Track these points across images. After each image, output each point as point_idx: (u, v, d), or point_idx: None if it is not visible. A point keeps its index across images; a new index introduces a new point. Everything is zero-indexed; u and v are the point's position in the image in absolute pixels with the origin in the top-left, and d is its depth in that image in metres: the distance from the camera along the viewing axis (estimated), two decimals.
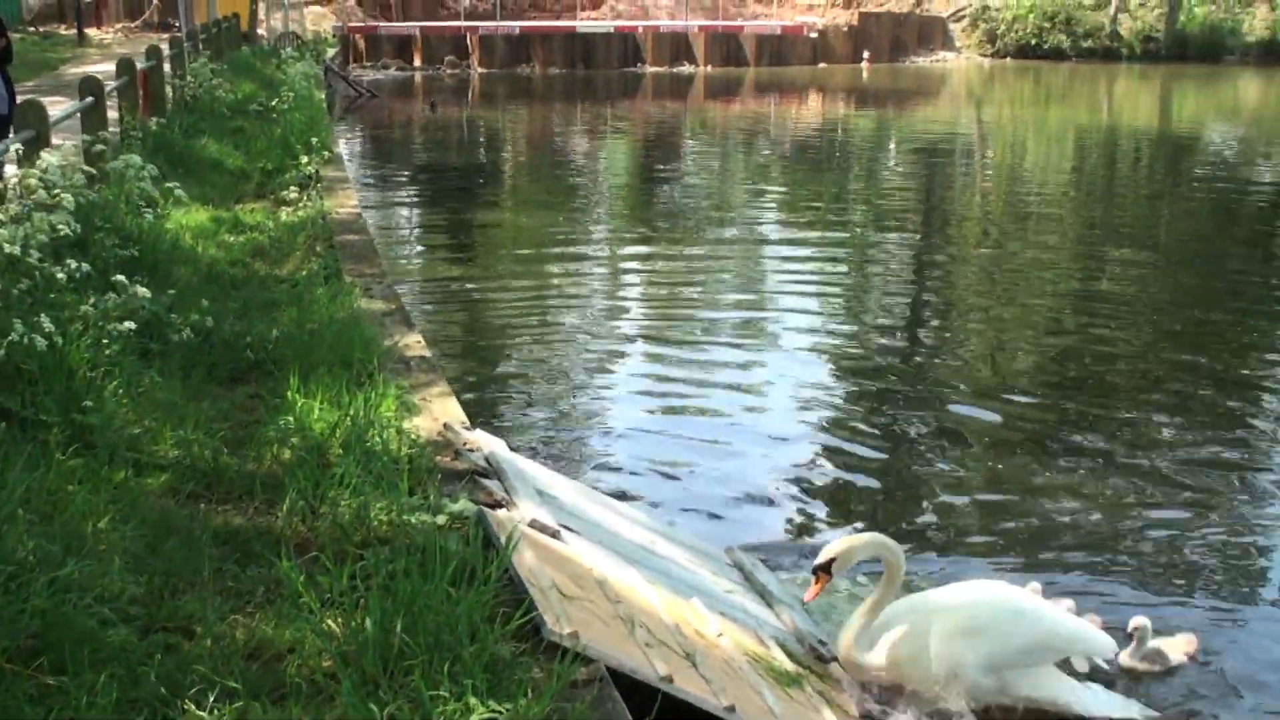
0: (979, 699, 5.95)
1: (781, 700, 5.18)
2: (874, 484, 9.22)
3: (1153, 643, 6.66)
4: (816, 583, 6.01)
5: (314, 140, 16.86)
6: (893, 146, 32.34)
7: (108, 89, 13.38)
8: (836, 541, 6.13)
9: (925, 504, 8.81)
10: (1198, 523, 8.46)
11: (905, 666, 5.92)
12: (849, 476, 9.38)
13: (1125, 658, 6.66)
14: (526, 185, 26.20)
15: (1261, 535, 8.37)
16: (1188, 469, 9.37)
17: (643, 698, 4.45)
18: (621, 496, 8.28)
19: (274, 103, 21.01)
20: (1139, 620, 6.68)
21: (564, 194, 23.98)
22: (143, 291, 7.47)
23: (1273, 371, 12.17)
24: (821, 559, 5.99)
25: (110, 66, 17.53)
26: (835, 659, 6.32)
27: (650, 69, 55.23)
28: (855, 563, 6.13)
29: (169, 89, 18.79)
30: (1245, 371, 12.16)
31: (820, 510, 8.82)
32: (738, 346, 12.88)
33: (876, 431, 10.32)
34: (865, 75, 54.98)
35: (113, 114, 14.48)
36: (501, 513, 5.67)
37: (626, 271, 17.07)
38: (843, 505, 8.94)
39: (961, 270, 17.47)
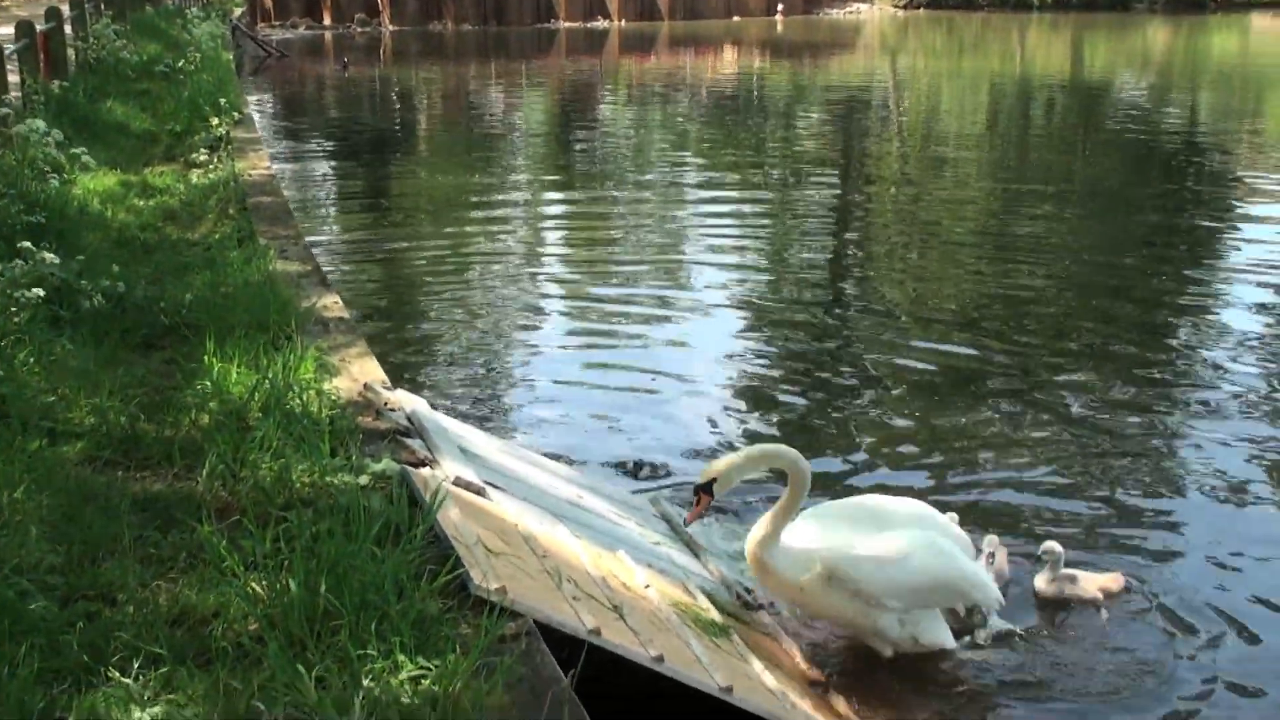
0: (885, 639, 5.98)
1: (709, 649, 5.22)
2: (798, 431, 9.29)
3: (1069, 571, 6.80)
4: (697, 504, 5.87)
5: (223, 101, 16.54)
6: (809, 98, 32.42)
7: (6, 52, 13.06)
8: (718, 459, 5.99)
9: (850, 448, 8.89)
10: (1114, 462, 8.61)
11: (820, 590, 5.84)
12: (773, 424, 9.46)
13: (1039, 581, 6.82)
14: (443, 143, 25.98)
15: (1173, 474, 8.54)
16: (1102, 410, 9.54)
17: (572, 651, 4.47)
18: (547, 453, 8.28)
19: (180, 64, 20.61)
20: (1050, 545, 6.83)
21: (481, 151, 23.81)
22: (50, 258, 7.33)
23: (1184, 315, 12.38)
24: (702, 478, 5.84)
25: (8, 29, 17.08)
26: (762, 607, 6.40)
27: (564, 24, 54.97)
28: (739, 479, 5.95)
29: (71, 51, 18.35)
30: (1158, 314, 12.38)
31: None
32: (660, 299, 12.89)
33: (800, 378, 10.41)
34: (779, 28, 55.08)
35: (13, 78, 14.12)
36: (425, 471, 5.64)
37: (546, 227, 17.01)
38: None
39: (880, 218, 17.62)
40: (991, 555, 6.83)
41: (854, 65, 40.90)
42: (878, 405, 9.68)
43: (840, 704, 5.66)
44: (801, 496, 5.91)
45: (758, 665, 5.45)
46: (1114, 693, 6.01)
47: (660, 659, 4.71)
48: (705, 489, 5.81)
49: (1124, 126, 26.35)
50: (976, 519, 7.55)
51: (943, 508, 7.46)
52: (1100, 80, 36.85)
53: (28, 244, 7.37)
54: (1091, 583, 6.81)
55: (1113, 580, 6.84)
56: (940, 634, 6.10)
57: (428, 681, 3.82)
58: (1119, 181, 20.27)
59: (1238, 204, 18.46)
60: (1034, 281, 13.51)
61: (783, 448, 6.07)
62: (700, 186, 19.75)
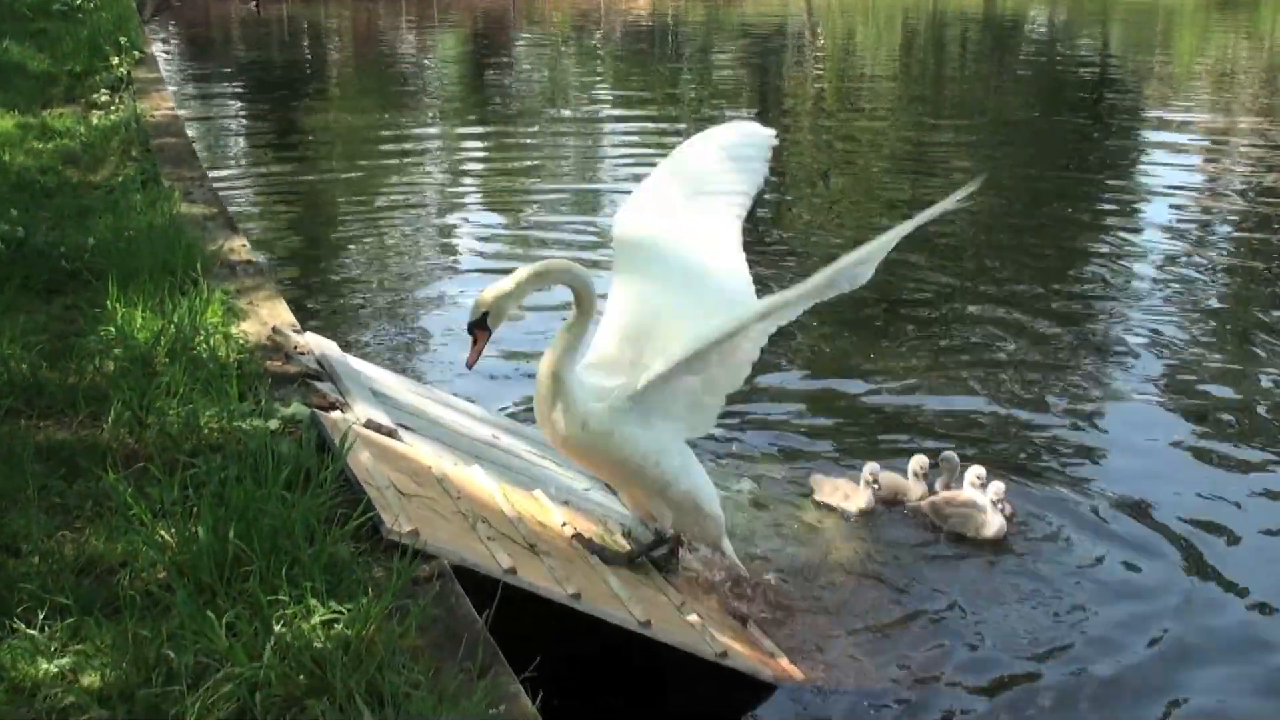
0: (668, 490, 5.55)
1: (627, 584, 5.24)
2: None
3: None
4: (475, 343, 5.23)
5: (124, 41, 16.11)
6: (724, 33, 32.28)
7: None
8: (486, 289, 5.26)
9: (754, 390, 8.91)
10: (1028, 391, 8.75)
11: (610, 421, 5.31)
12: None
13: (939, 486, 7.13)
14: (353, 83, 25.59)
15: (1087, 406, 8.68)
16: (1017, 338, 9.68)
17: (491, 593, 4.46)
18: (464, 396, 8.23)
19: (79, 3, 20.03)
20: (948, 454, 7.18)
21: (393, 90, 23.50)
22: None
23: (1097, 241, 12.57)
24: (473, 314, 5.19)
25: None
26: (680, 542, 6.41)
27: None
28: (517, 304, 5.32)
29: None
30: (1071, 241, 12.56)
31: None
32: (577, 236, 12.84)
33: None
34: None
35: None
36: (335, 415, 5.59)
37: (460, 166, 16.86)
38: None
39: (795, 152, 17.64)
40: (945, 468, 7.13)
41: (769, 1, 40.78)
42: (789, 346, 9.71)
43: (760, 636, 5.72)
44: (591, 314, 5.33)
45: (677, 599, 5.48)
46: (1027, 623, 6.14)
47: (577, 596, 4.72)
48: (480, 325, 5.18)
49: (1036, 60, 26.59)
50: (892, 450, 7.68)
51: (857, 436, 7.68)
52: (1013, 14, 37.06)
53: None
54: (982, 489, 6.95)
55: (996, 491, 6.89)
56: (713, 491, 5.70)
57: (340, 625, 3.79)
58: (1031, 113, 20.48)
59: (1147, 134, 18.76)
60: (949, 219, 13.60)
61: (558, 261, 5.47)
62: (615, 121, 19.68)
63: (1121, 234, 13.01)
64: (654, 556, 5.79)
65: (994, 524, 6.78)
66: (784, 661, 5.52)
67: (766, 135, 6.26)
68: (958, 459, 7.14)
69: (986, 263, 11.89)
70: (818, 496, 7.22)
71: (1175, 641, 5.97)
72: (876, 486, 7.06)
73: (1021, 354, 9.50)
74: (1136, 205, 14.37)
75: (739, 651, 5.27)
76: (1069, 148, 17.74)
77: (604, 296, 5.70)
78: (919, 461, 7.23)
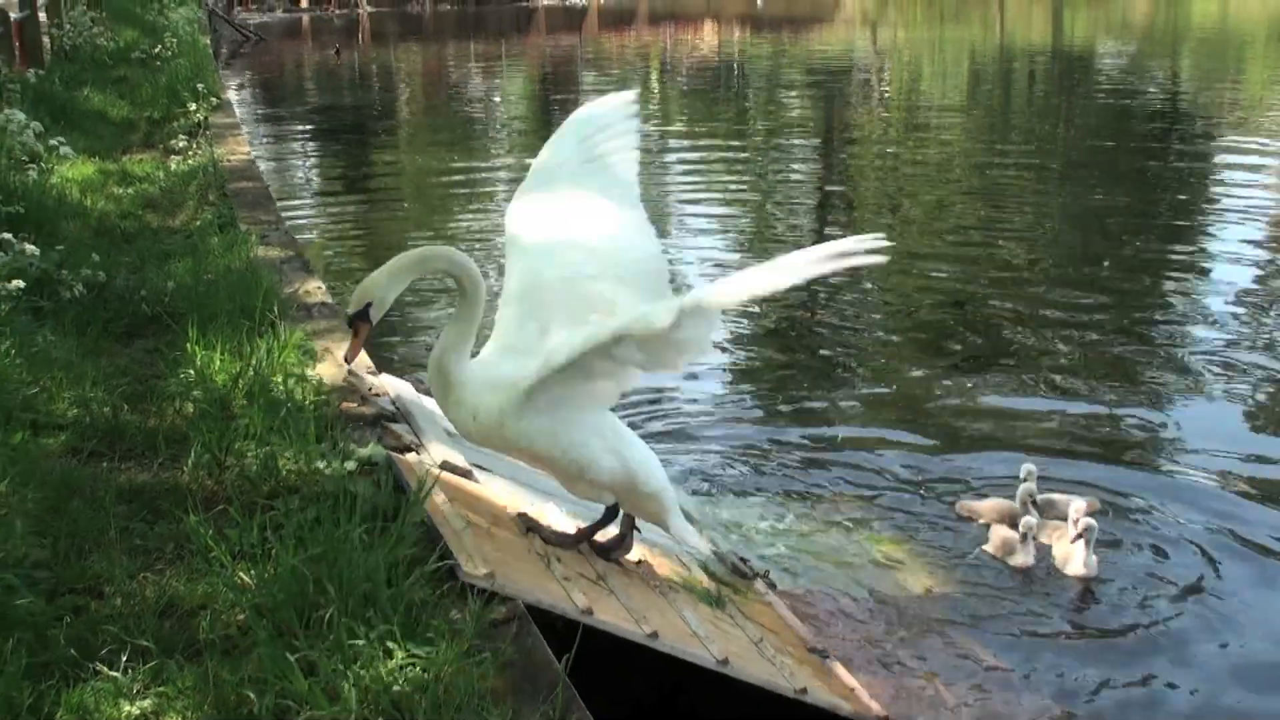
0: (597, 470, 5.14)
1: (705, 621, 5.21)
2: (782, 397, 9.43)
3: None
4: (356, 335, 5.03)
5: (201, 87, 16.44)
6: (790, 71, 32.33)
7: None
8: (365, 279, 5.04)
9: (828, 424, 8.94)
10: (1100, 427, 8.64)
11: (520, 410, 4.94)
12: (759, 394, 9.58)
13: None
14: (423, 126, 25.87)
15: (1162, 436, 8.57)
16: (1088, 371, 9.58)
17: (569, 631, 4.46)
18: None
19: (157, 50, 20.47)
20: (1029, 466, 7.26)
21: (462, 133, 23.73)
22: (31, 249, 7.26)
23: (1168, 275, 12.42)
24: (353, 306, 4.98)
25: None
26: (758, 575, 6.38)
27: (543, 2, 54.70)
28: (397, 290, 5.06)
29: (46, 39, 18.21)
30: (1142, 276, 12.40)
31: (733, 429, 8.96)
32: None
33: (781, 357, 10.47)
34: (760, 3, 54.87)
35: None
36: (411, 456, 5.61)
37: None
38: (749, 422, 9.13)
39: (863, 186, 17.65)
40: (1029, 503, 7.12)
41: (835, 38, 40.86)
42: (860, 368, 9.76)
43: (840, 671, 5.66)
44: (478, 302, 5.05)
45: (755, 634, 5.44)
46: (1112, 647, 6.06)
47: (654, 635, 4.69)
48: (361, 317, 4.96)
49: (1105, 92, 26.34)
50: (962, 482, 7.73)
51: (924, 469, 7.65)
52: (1081, 47, 36.84)
53: (8, 235, 7.31)
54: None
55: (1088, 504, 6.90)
56: (652, 465, 5.27)
57: (419, 668, 3.80)
58: (1101, 147, 20.28)
59: (1219, 164, 18.52)
60: (1017, 245, 13.52)
61: (438, 248, 5.31)
62: (682, 160, 19.70)
63: (1194, 264, 12.87)
64: (604, 545, 5.41)
65: (1079, 560, 6.69)
66: (865, 696, 5.46)
67: (625, 99, 5.96)
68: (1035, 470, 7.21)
69: (1059, 294, 11.77)
70: (987, 547, 7.05)
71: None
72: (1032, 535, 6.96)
73: (1098, 383, 9.43)
74: (1208, 235, 14.20)
75: (818, 687, 5.21)
76: (1140, 179, 17.57)
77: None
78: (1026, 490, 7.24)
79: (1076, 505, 6.86)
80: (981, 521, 7.22)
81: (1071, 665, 6.02)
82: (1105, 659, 6.06)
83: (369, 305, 4.93)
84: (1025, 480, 7.26)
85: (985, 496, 7.54)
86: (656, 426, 8.88)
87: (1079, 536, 6.70)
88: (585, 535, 5.40)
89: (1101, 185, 17.17)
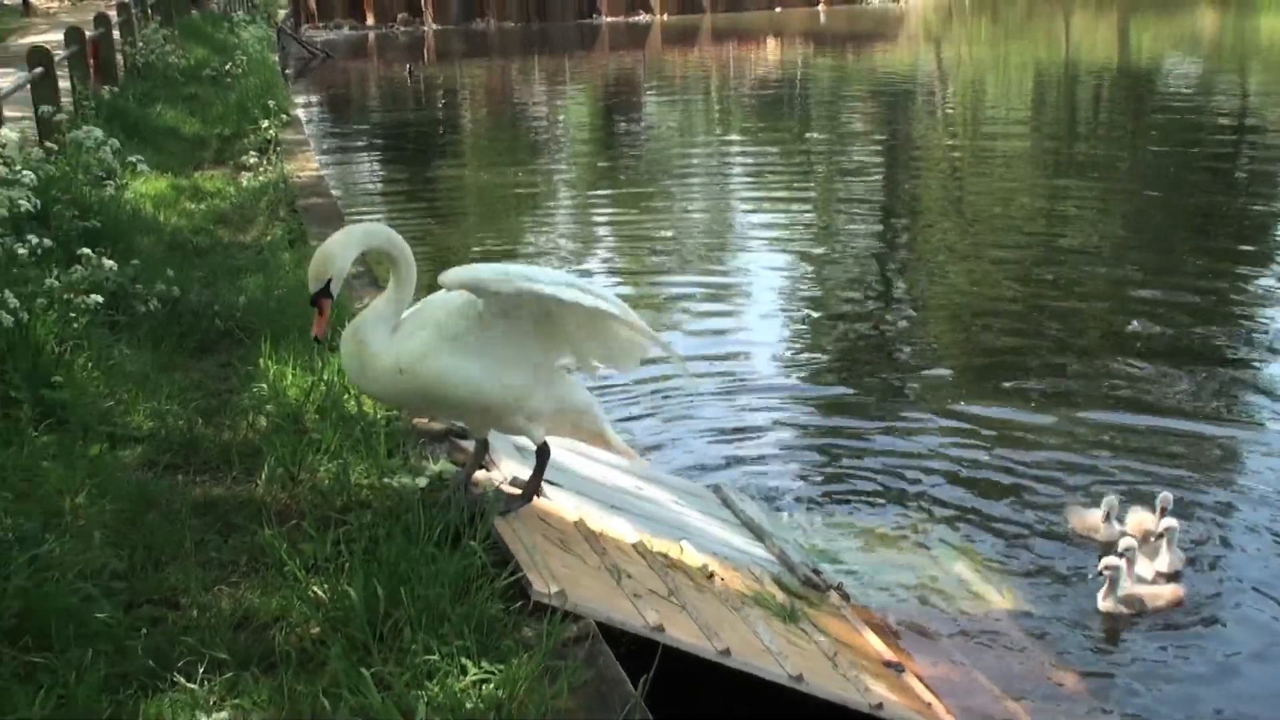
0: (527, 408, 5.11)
1: (778, 636, 5.18)
2: (855, 416, 9.37)
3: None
4: (320, 314, 4.96)
5: (271, 104, 16.66)
6: (853, 89, 32.22)
7: (57, 59, 13.16)
8: (313, 259, 5.00)
9: (900, 439, 8.89)
10: (1169, 466, 8.44)
11: (442, 361, 4.89)
12: (827, 408, 9.58)
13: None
14: (488, 142, 26.02)
15: (1230, 470, 8.42)
16: (1156, 402, 9.40)
17: (636, 645, 4.46)
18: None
19: (228, 67, 20.75)
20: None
21: (527, 149, 23.85)
22: (108, 263, 7.38)
23: (1238, 299, 12.22)
24: (312, 285, 4.92)
25: (58, 35, 17.25)
26: (832, 588, 6.36)
27: (607, 19, 54.87)
28: (349, 261, 4.99)
29: (120, 57, 18.52)
30: (1211, 301, 12.21)
31: (802, 442, 9.00)
32: (708, 291, 12.90)
33: (850, 368, 10.47)
34: (823, 19, 54.76)
35: (64, 84, 14.25)
36: (481, 474, 5.63)
37: (596, 221, 17.02)
38: (822, 435, 9.12)
39: (927, 205, 17.52)
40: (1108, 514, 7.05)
41: (899, 55, 40.66)
42: (931, 398, 9.63)
43: (916, 685, 5.62)
44: (410, 282, 5.03)
45: (829, 649, 5.40)
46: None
47: (727, 652, 4.68)
48: (324, 294, 4.91)
49: (1174, 111, 26.00)
50: (1028, 512, 7.64)
51: (1000, 482, 7.67)
52: (1148, 65, 36.42)
53: (86, 250, 7.42)
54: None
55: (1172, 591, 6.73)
56: (581, 393, 5.36)
57: (491, 686, 3.81)
58: (1169, 167, 19.99)
59: None
60: (1084, 276, 13.34)
61: (377, 226, 5.24)
62: (746, 180, 19.69)
63: (1265, 281, 12.67)
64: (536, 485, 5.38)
65: (1163, 558, 6.68)
66: (941, 712, 5.41)
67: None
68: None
69: (1128, 309, 11.63)
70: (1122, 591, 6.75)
71: None
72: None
73: (1171, 395, 9.34)
74: (1276, 258, 13.97)
75: (894, 702, 5.16)
76: (1208, 196, 17.31)
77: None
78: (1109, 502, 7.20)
79: (1163, 496, 6.89)
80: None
81: (1159, 695, 5.93)
82: (1191, 693, 5.96)
83: (329, 281, 4.90)
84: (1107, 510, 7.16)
85: (1063, 508, 7.52)
86: (730, 439, 8.92)
87: (1161, 536, 6.64)
88: (534, 488, 5.37)
89: (1168, 202, 16.96)
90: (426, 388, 4.90)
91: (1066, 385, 9.81)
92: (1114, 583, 6.53)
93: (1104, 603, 6.55)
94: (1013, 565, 7.08)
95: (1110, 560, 6.56)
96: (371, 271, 9.45)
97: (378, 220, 16.90)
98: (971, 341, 11.01)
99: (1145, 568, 6.77)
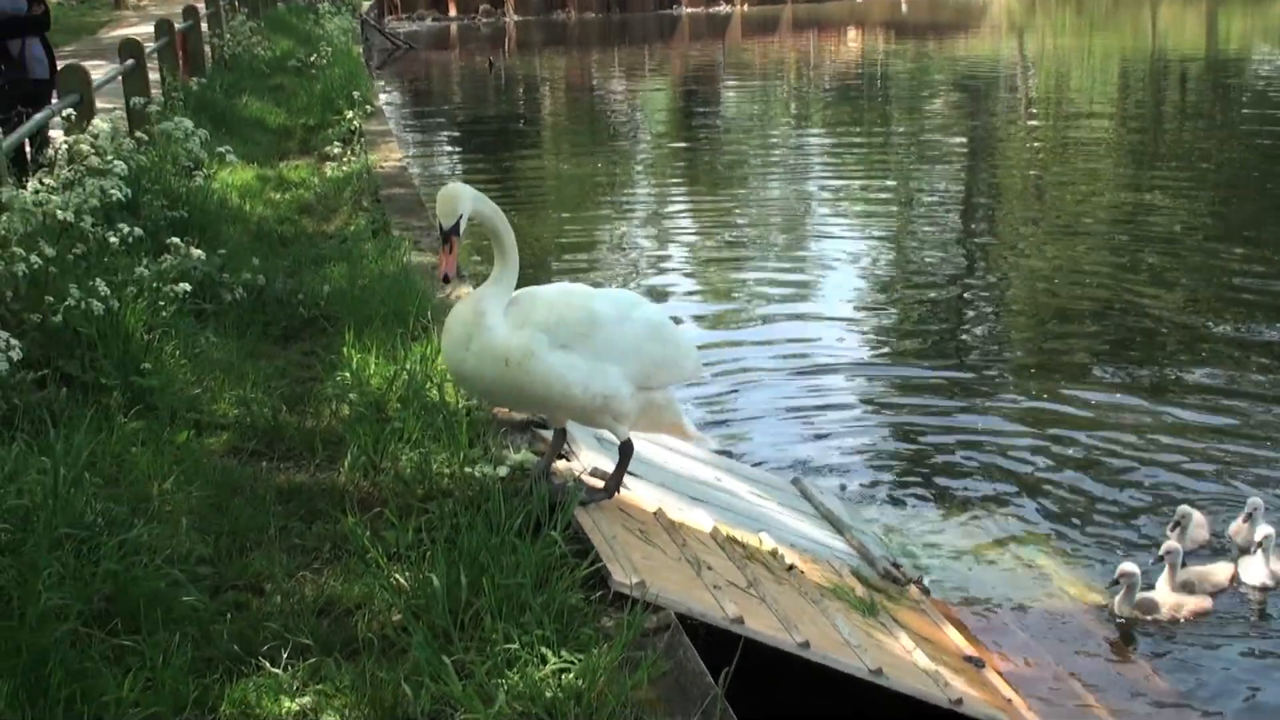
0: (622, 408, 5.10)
1: (857, 630, 5.16)
2: (934, 411, 9.33)
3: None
4: (449, 251, 4.90)
5: (355, 95, 16.79)
6: (935, 80, 31.90)
7: (147, 51, 13.37)
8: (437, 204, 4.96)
9: (979, 432, 8.81)
10: (1248, 467, 8.25)
11: (546, 348, 4.85)
12: (908, 399, 9.56)
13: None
14: (568, 133, 26.08)
15: None
16: (1244, 404, 9.19)
17: (714, 636, 4.45)
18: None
19: (313, 58, 20.94)
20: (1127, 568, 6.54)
21: (606, 141, 23.89)
22: (197, 252, 7.47)
23: None
24: (448, 219, 4.86)
25: (148, 28, 17.54)
26: (912, 582, 6.31)
27: (687, 10, 54.68)
28: (469, 212, 4.91)
29: (207, 48, 18.77)
30: None
31: (881, 436, 8.96)
32: (789, 283, 12.86)
33: (932, 358, 10.43)
34: (905, 9, 54.21)
35: (153, 75, 14.46)
36: (561, 463, 5.65)
37: (675, 213, 16.98)
38: (901, 429, 9.09)
39: (1009, 201, 17.31)
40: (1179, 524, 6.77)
41: (981, 46, 40.19)
42: (1008, 392, 9.54)
43: (997, 680, 5.57)
44: (512, 256, 5.04)
45: (909, 643, 5.37)
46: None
47: (806, 644, 4.66)
48: (455, 231, 4.87)
49: (1261, 100, 25.46)
50: (1108, 516, 7.53)
51: (1069, 498, 7.47)
52: (1237, 55, 35.70)
53: (175, 239, 7.53)
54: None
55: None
56: (664, 391, 5.37)
57: (571, 675, 3.82)
58: (1259, 162, 19.58)
59: None
60: (1169, 267, 13.12)
61: (486, 199, 5.09)
62: (825, 173, 19.56)
63: None
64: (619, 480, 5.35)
65: (1259, 569, 6.54)
66: (1022, 709, 5.35)
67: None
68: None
69: (1210, 306, 11.42)
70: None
71: None
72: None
73: (1240, 411, 9.03)
74: None
75: (974, 698, 5.12)
76: None
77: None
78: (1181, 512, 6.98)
79: (1252, 502, 6.78)
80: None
81: (1247, 694, 5.82)
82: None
83: (460, 218, 4.86)
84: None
85: (1148, 503, 7.43)
86: (811, 430, 8.92)
87: (1259, 546, 6.50)
88: (617, 483, 5.35)
89: (1256, 196, 16.63)
90: (523, 384, 4.88)
91: (1152, 377, 9.69)
92: (1132, 589, 6.37)
93: (1120, 606, 6.42)
94: (1097, 561, 6.97)
95: (1127, 568, 6.42)
96: None
97: None
98: (1055, 331, 10.88)
99: (1254, 572, 6.60)
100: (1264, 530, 6.59)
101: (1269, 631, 6.40)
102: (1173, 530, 6.85)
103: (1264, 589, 6.57)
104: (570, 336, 4.91)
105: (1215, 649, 6.21)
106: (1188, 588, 6.49)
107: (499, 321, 4.87)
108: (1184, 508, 7.01)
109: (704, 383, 9.76)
